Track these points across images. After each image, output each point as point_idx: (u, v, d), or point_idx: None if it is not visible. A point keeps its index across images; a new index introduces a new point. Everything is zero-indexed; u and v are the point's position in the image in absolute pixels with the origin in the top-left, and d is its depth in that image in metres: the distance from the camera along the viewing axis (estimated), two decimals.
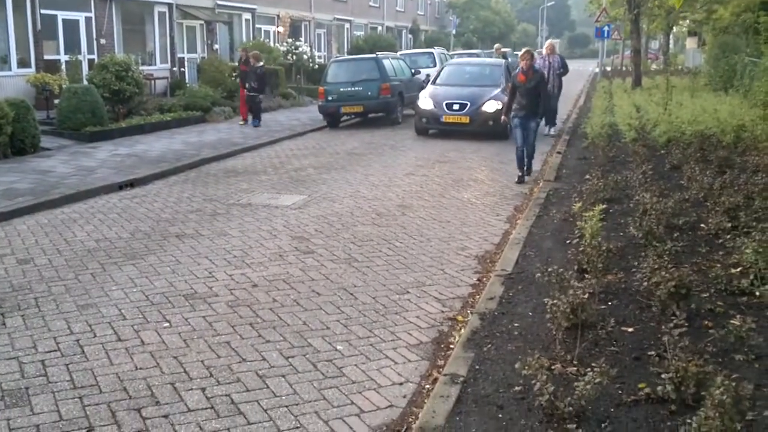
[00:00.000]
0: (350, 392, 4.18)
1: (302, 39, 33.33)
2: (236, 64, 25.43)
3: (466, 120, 14.65)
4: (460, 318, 5.25)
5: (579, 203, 7.20)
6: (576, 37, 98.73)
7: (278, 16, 32.23)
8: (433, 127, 15.34)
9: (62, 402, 4.03)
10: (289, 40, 29.20)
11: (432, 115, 15.07)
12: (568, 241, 6.67)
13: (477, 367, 4.28)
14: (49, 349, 4.73)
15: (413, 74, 20.30)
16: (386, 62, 18.47)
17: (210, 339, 4.90)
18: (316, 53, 33.41)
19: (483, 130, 14.49)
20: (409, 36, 51.74)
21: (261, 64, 17.70)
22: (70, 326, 5.12)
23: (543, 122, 14.16)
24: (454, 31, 49.41)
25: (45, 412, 3.92)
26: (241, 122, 18.42)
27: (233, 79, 22.33)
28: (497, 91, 14.84)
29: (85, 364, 4.51)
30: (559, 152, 12.34)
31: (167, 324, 5.17)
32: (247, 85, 17.64)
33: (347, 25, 41.81)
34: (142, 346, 4.79)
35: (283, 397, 4.11)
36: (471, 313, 5.23)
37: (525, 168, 10.32)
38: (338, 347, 4.77)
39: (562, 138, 14.51)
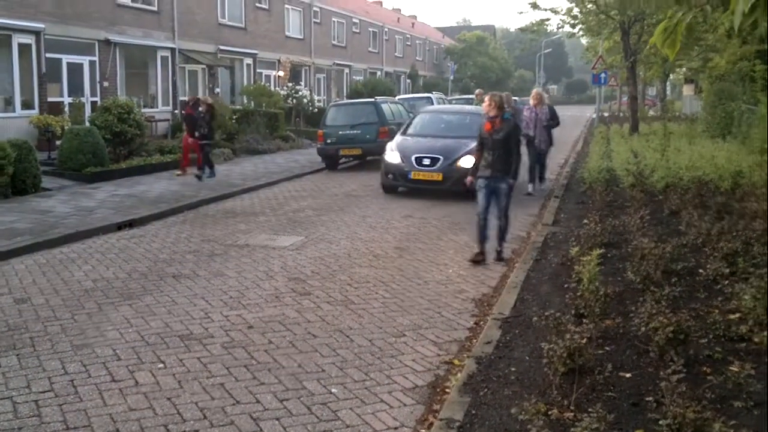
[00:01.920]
0: None
1: (302, 83, 33.84)
2: (237, 107, 25.91)
3: (438, 177, 12.32)
4: (456, 362, 5.22)
5: (577, 247, 7.21)
6: (573, 83, 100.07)
7: (279, 60, 32.74)
8: (400, 185, 13.06)
9: None
10: (290, 84, 29.62)
11: (399, 171, 12.80)
12: (565, 285, 6.67)
13: (473, 411, 4.24)
14: (44, 389, 4.69)
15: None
16: (384, 106, 18.68)
17: (204, 380, 4.86)
18: (316, 97, 33.83)
19: (459, 189, 11.39)
20: (408, 81, 52.51)
21: (209, 110, 15.79)
22: (64, 366, 5.09)
23: (531, 185, 13.36)
24: (452, 77, 50.14)
25: None
26: (178, 173, 16.30)
27: (233, 122, 22.57)
28: (474, 144, 12.57)
29: (79, 404, 4.47)
30: (557, 196, 12.40)
31: (162, 365, 5.13)
32: (197, 133, 15.64)
33: (347, 70, 42.45)
34: (136, 386, 4.75)
35: None
36: (467, 356, 5.19)
37: (498, 248, 8.23)
38: (333, 390, 4.73)
39: (560, 182, 14.59)
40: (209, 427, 4.20)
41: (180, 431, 4.14)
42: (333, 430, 4.20)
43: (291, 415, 4.36)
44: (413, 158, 12.68)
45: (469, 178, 8.50)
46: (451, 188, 12.24)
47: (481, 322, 6.06)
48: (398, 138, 13.88)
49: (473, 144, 11.36)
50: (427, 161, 12.55)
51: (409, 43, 55.48)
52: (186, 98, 18.07)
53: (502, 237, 8.26)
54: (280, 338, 5.69)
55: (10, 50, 18.28)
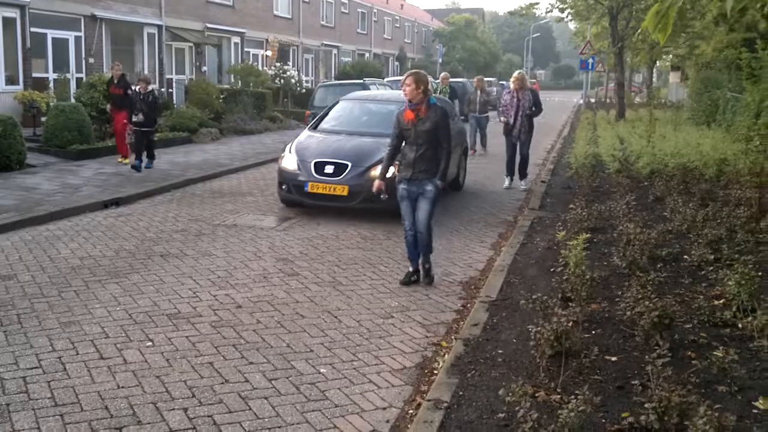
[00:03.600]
0: (333, 416, 4.16)
1: (290, 63, 33.58)
2: (225, 86, 25.70)
3: (342, 191, 9.16)
4: (444, 343, 5.26)
5: (563, 232, 7.26)
6: (561, 68, 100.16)
7: (267, 40, 32.47)
8: (296, 199, 9.70)
9: (43, 419, 3.98)
10: (277, 64, 29.38)
11: (294, 181, 9.53)
12: (552, 269, 6.72)
13: (461, 393, 4.28)
14: (31, 366, 4.68)
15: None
16: (372, 87, 18.63)
17: (193, 359, 4.86)
18: (304, 77, 33.62)
19: (369, 207, 9.03)
20: (396, 63, 52.32)
21: (151, 89, 13.27)
22: (52, 343, 5.07)
23: (508, 178, 12.05)
24: (440, 60, 50.00)
25: (25, 429, 3.87)
26: (121, 159, 14.30)
27: (220, 101, 22.41)
28: None
29: (67, 381, 4.46)
30: (543, 181, 12.46)
31: (150, 343, 5.13)
32: (134, 117, 12.93)
33: (335, 51, 42.21)
34: (124, 364, 4.75)
35: (266, 420, 4.08)
36: (455, 338, 5.24)
37: (423, 265, 6.73)
38: (322, 370, 4.76)
39: (546, 167, 14.65)
40: (198, 405, 4.21)
41: (169, 409, 4.15)
42: (322, 409, 4.23)
43: (280, 395, 4.38)
44: (312, 164, 9.37)
45: (377, 183, 6.81)
46: (360, 206, 9.17)
47: (469, 305, 6.10)
48: (302, 135, 10.59)
49: None
50: (329, 169, 9.26)
51: (398, 25, 55.25)
52: (111, 73, 14.78)
53: (427, 250, 6.69)
54: (268, 318, 5.70)
55: None
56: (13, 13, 18.42)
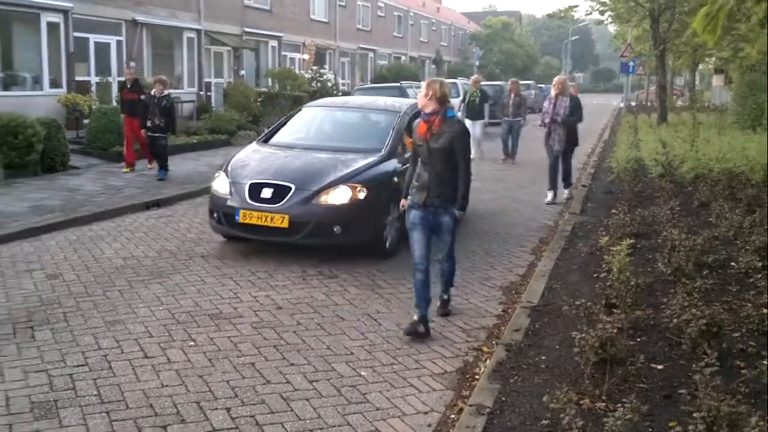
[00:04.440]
0: (374, 419, 4.16)
1: (326, 66, 33.75)
2: (262, 89, 25.95)
3: (281, 221, 7.15)
4: (485, 348, 5.21)
5: (606, 237, 7.15)
6: (600, 71, 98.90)
7: (304, 44, 32.70)
8: (225, 231, 7.80)
9: (90, 416, 4.04)
10: (314, 68, 29.58)
11: (223, 208, 7.58)
12: (595, 275, 6.62)
13: (503, 398, 4.24)
14: (78, 363, 4.76)
15: None
16: (410, 91, 18.63)
17: (235, 359, 4.90)
18: (340, 81, 33.77)
19: (319, 243, 7.36)
20: (432, 66, 52.22)
21: (167, 93, 12.54)
22: (97, 341, 5.15)
23: (551, 192, 10.98)
24: (477, 63, 49.71)
25: (73, 425, 3.94)
26: (126, 169, 13.46)
27: (258, 104, 22.62)
28: (367, 162, 7.66)
29: (113, 379, 4.52)
30: (584, 185, 12.30)
31: (192, 343, 5.19)
32: (149, 123, 12.38)
33: (371, 54, 42.31)
34: (168, 363, 4.80)
35: (308, 421, 4.09)
36: (496, 344, 5.19)
37: (441, 296, 5.85)
38: (362, 373, 4.75)
39: (587, 171, 14.46)
40: (240, 405, 4.24)
41: (212, 408, 4.18)
42: (363, 412, 4.22)
43: (321, 396, 4.39)
44: (246, 187, 7.39)
45: (403, 202, 5.69)
46: (304, 242, 7.27)
47: (510, 310, 6.04)
48: (246, 149, 8.60)
49: (360, 163, 7.51)
50: (267, 192, 7.27)
51: (434, 28, 55.16)
52: (125, 77, 14.32)
53: (448, 282, 5.87)
54: (308, 320, 5.71)
55: (39, 29, 18.42)
56: (57, 18, 18.83)
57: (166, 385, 4.47)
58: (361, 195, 7.19)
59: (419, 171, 5.44)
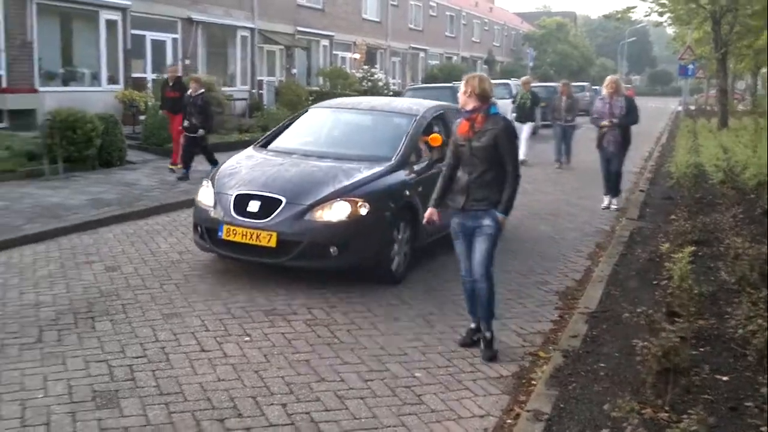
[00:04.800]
0: (430, 420, 4.12)
1: (377, 66, 33.81)
2: (314, 88, 26.11)
3: (268, 240, 6.24)
4: (542, 354, 5.12)
5: (666, 244, 6.97)
6: (657, 73, 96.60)
7: (355, 43, 32.82)
8: (208, 248, 6.80)
9: (149, 407, 4.10)
10: (365, 67, 29.65)
11: (207, 222, 6.69)
12: (654, 282, 6.45)
13: (561, 405, 4.15)
14: (137, 355, 4.84)
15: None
16: None
17: (289, 356, 4.91)
18: (391, 80, 33.78)
19: (312, 266, 6.45)
20: (484, 66, 51.80)
21: (202, 91, 12.23)
22: (155, 334, 5.23)
23: (607, 197, 10.67)
24: (531, 64, 49.00)
25: (133, 415, 4.00)
26: (173, 166, 13.22)
27: (309, 103, 22.75)
28: (373, 172, 6.72)
29: (170, 371, 4.58)
30: (642, 190, 12.02)
31: (248, 338, 5.22)
32: (186, 122, 12.13)
33: (422, 54, 42.23)
34: (224, 357, 4.84)
35: (363, 420, 4.08)
36: (553, 349, 5.10)
37: (483, 333, 5.09)
38: (417, 374, 4.71)
39: (644, 176, 14.12)
40: (296, 402, 4.24)
41: (268, 404, 4.20)
42: (418, 413, 4.19)
43: (375, 396, 4.36)
44: (232, 199, 6.50)
45: (429, 212, 5.16)
46: (294, 264, 6.36)
47: (566, 316, 5.93)
48: (239, 155, 7.64)
49: (364, 174, 6.60)
50: (254, 206, 6.37)
51: (486, 28, 54.78)
52: (167, 75, 14.30)
53: (488, 313, 5.04)
54: (362, 319, 5.70)
55: (97, 26, 18.92)
56: (115, 16, 19.31)
57: (223, 379, 4.50)
58: (363, 211, 6.24)
59: (459, 174, 4.99)
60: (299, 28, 28.19)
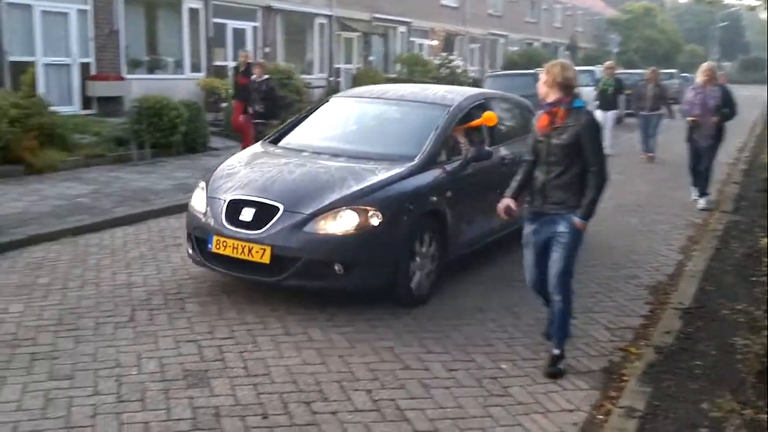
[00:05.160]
0: (517, 413, 4.05)
1: (455, 53, 33.47)
2: (391, 75, 26.10)
3: (261, 255, 5.32)
4: (632, 350, 4.94)
5: (765, 239, 6.61)
6: (750, 60, 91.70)
7: (432, 29, 32.58)
8: (199, 261, 5.89)
9: (239, 387, 4.17)
10: (443, 54, 29.40)
11: (197, 230, 5.86)
12: (752, 278, 6.14)
13: (656, 403, 4.00)
14: (225, 336, 4.93)
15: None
16: None
17: (374, 342, 4.91)
18: (469, 67, 33.38)
19: (312, 286, 5.51)
20: (566, 53, 50.46)
21: (267, 77, 11.94)
22: (242, 316, 5.32)
23: (695, 189, 9.97)
24: (616, 50, 47.24)
25: (223, 395, 4.08)
26: None
27: None
28: (391, 174, 5.75)
29: (258, 353, 4.64)
30: (736, 182, 11.46)
31: (331, 322, 5.24)
32: (250, 110, 11.94)
33: (502, 41, 41.52)
34: (309, 342, 4.88)
35: (448, 410, 4.04)
36: (645, 345, 4.91)
37: (552, 349, 4.64)
38: (503, 366, 4.63)
39: (738, 167, 13.47)
40: (381, 389, 4.24)
41: (353, 389, 4.21)
42: (504, 405, 4.12)
43: (461, 386, 4.31)
44: (224, 204, 5.62)
45: (505, 202, 4.66)
46: (292, 284, 5.42)
47: (657, 311, 5.71)
48: (242, 153, 7.09)
49: (386, 176, 5.65)
50: (248, 213, 5.49)
51: (569, 13, 53.30)
52: (238, 62, 14.02)
53: (561, 331, 4.61)
54: (446, 308, 5.65)
55: (180, 15, 19.42)
56: (197, 5, 19.78)
57: (308, 363, 4.54)
58: (375, 221, 5.29)
59: (537, 174, 4.51)
60: (376, 15, 28.17)
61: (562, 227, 4.40)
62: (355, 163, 5.90)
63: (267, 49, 22.31)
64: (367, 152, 6.15)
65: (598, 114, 14.86)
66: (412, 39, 31.42)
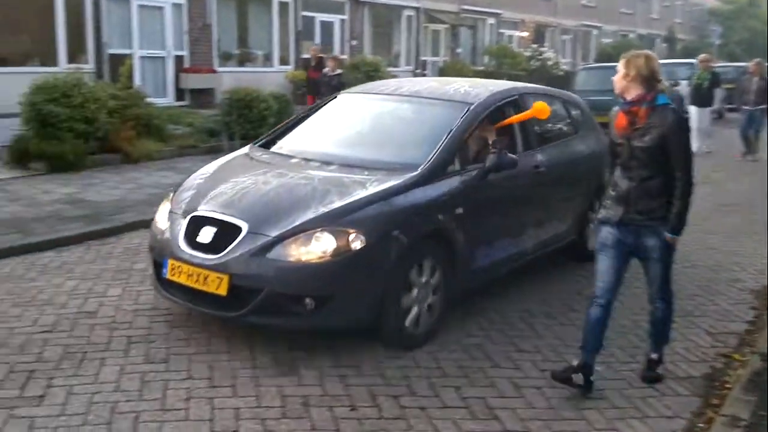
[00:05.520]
0: (613, 417, 3.90)
1: (546, 45, 32.76)
2: (479, 68, 25.81)
3: (217, 285, 4.36)
4: (736, 356, 4.68)
5: None
6: None
7: (523, 20, 31.99)
8: (156, 287, 4.99)
9: (327, 378, 4.19)
10: (533, 46, 28.83)
11: (155, 251, 4.97)
12: None
13: (761, 412, 3.77)
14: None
15: (672, 86, 18.81)
16: None
17: (463, 339, 4.82)
18: (561, 60, 32.57)
19: (277, 324, 4.54)
20: (664, 45, 48.49)
21: (340, 71, 11.98)
22: None
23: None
24: (717, 42, 44.96)
25: (311, 384, 4.11)
26: None
27: None
28: (384, 188, 4.69)
29: (348, 345, 4.60)
30: None
31: None
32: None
33: (595, 32, 40.34)
34: None
35: (540, 410, 3.94)
36: (751, 352, 4.64)
37: (648, 354, 4.44)
38: (597, 368, 4.44)
39: None
40: (470, 386, 4.17)
41: (442, 385, 4.16)
42: (599, 408, 3.98)
43: (553, 387, 4.17)
44: (185, 222, 4.76)
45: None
46: (252, 320, 4.50)
47: (763, 316, 5.38)
48: (220, 160, 5.81)
49: (376, 190, 4.64)
50: (207, 234, 4.59)
51: (667, 4, 51.10)
52: (309, 54, 14.33)
53: (661, 336, 4.38)
54: (536, 306, 5.51)
55: (270, 8, 19.79)
56: None
57: (396, 357, 4.50)
58: (356, 245, 4.33)
59: (617, 178, 4.08)
60: (464, 7, 27.90)
61: (651, 242, 4.00)
62: (346, 173, 4.89)
63: (354, 42, 22.48)
64: (363, 159, 5.10)
65: (692, 111, 14.17)
66: (501, 31, 30.97)
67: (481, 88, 5.88)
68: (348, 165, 5.03)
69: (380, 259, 4.40)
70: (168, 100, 16.31)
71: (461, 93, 5.75)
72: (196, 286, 4.45)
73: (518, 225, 5.37)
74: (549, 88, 7.22)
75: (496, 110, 5.59)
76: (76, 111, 10.13)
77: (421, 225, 4.69)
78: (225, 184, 5.05)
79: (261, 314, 4.39)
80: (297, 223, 4.41)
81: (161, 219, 5.02)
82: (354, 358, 4.45)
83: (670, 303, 4.28)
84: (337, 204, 4.51)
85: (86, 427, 3.60)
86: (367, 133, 5.81)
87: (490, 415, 3.85)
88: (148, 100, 12.73)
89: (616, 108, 4.07)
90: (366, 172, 4.86)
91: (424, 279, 4.67)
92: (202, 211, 4.71)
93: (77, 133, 10.11)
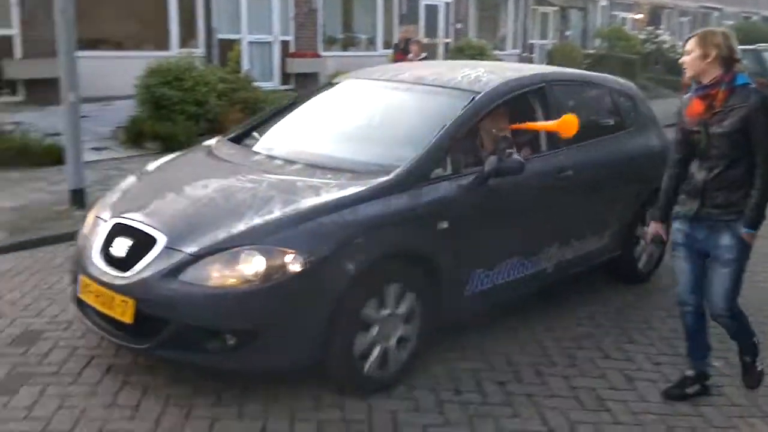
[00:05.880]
0: (732, 414, 3.73)
1: (662, 27, 31.25)
2: (590, 51, 24.96)
3: (122, 312, 3.52)
4: None
5: None
6: None
7: (637, 2, 30.65)
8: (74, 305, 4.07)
9: (433, 363, 4.14)
10: (649, 28, 27.58)
11: (75, 262, 4.04)
12: None
13: None
14: None
15: None
16: (766, 55, 16.34)
17: (572, 329, 4.70)
18: (679, 43, 31.00)
19: (189, 360, 3.59)
20: None
21: (424, 55, 11.44)
22: None
23: None
24: None
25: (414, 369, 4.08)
26: None
27: (584, 66, 21.79)
28: (344, 195, 3.74)
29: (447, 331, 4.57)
30: None
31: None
32: None
33: (715, 14, 38.10)
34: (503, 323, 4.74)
35: (652, 404, 3.80)
36: None
37: (741, 357, 3.99)
38: (715, 363, 4.23)
39: None
40: (579, 376, 4.07)
41: (550, 374, 4.08)
42: (717, 405, 3.81)
43: (667, 381, 4.02)
44: (104, 232, 3.86)
45: (654, 227, 3.88)
46: (160, 354, 3.63)
47: None
48: (173, 155, 5.10)
49: (329, 198, 3.74)
50: (121, 246, 3.70)
51: None
52: (399, 37, 14.10)
53: (748, 344, 3.92)
54: (649, 296, 5.33)
55: None
56: None
57: (502, 343, 4.44)
58: (294, 267, 3.42)
59: (693, 170, 3.65)
60: None
61: (726, 240, 3.55)
62: (304, 176, 4.02)
63: (459, 25, 22.22)
64: (332, 158, 4.26)
65: None
66: (614, 12, 29.78)
67: (495, 75, 4.80)
68: (313, 165, 4.14)
69: (325, 285, 3.48)
70: (274, 84, 16.64)
71: (470, 80, 4.72)
72: (104, 309, 3.65)
73: (532, 241, 4.53)
74: (593, 74, 5.99)
75: (512, 101, 4.63)
76: (187, 94, 10.56)
77: (384, 243, 3.71)
78: (159, 184, 4.39)
79: (170, 349, 3.52)
80: (221, 238, 3.51)
81: (87, 224, 4.17)
82: (459, 347, 4.35)
83: (739, 317, 3.78)
84: (276, 215, 3.60)
85: None
86: (350, 127, 4.92)
87: (600, 406, 3.75)
88: (255, 83, 13.05)
89: (687, 95, 3.67)
90: (329, 175, 3.96)
91: (387, 311, 3.72)
92: (124, 216, 3.86)
93: (188, 114, 10.54)
